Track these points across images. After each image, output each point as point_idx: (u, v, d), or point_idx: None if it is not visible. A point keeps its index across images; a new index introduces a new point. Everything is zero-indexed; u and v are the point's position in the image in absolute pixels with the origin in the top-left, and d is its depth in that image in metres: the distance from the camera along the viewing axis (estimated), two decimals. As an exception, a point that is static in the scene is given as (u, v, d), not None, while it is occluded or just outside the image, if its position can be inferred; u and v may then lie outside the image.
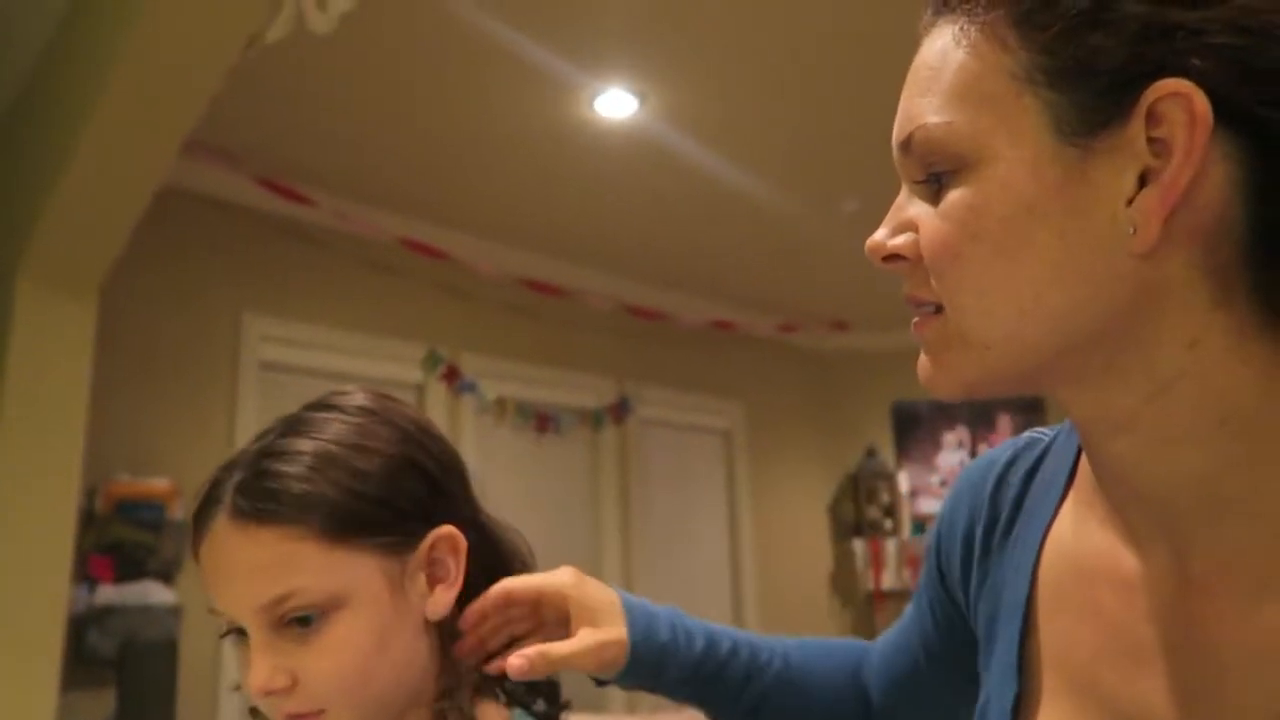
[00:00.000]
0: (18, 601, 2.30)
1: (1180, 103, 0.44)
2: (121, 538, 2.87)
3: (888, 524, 5.25)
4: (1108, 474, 0.54)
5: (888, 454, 5.30)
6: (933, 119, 0.50)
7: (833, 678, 0.83)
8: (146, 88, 2.05)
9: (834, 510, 5.42)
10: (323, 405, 0.71)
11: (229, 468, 0.67)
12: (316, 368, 3.46)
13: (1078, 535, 0.57)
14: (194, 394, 3.18)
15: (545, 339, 4.17)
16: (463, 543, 0.70)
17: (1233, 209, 0.45)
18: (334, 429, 0.68)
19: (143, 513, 2.93)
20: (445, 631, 0.71)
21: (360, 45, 2.57)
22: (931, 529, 0.73)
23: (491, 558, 0.75)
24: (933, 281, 0.51)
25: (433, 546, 0.68)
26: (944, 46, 0.51)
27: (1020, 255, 0.47)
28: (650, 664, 0.74)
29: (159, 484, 2.98)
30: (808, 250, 4.18)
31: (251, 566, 0.64)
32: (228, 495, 0.65)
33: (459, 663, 0.70)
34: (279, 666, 0.64)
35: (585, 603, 0.74)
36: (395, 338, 3.69)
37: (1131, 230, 0.45)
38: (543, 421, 4.09)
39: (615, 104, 2.96)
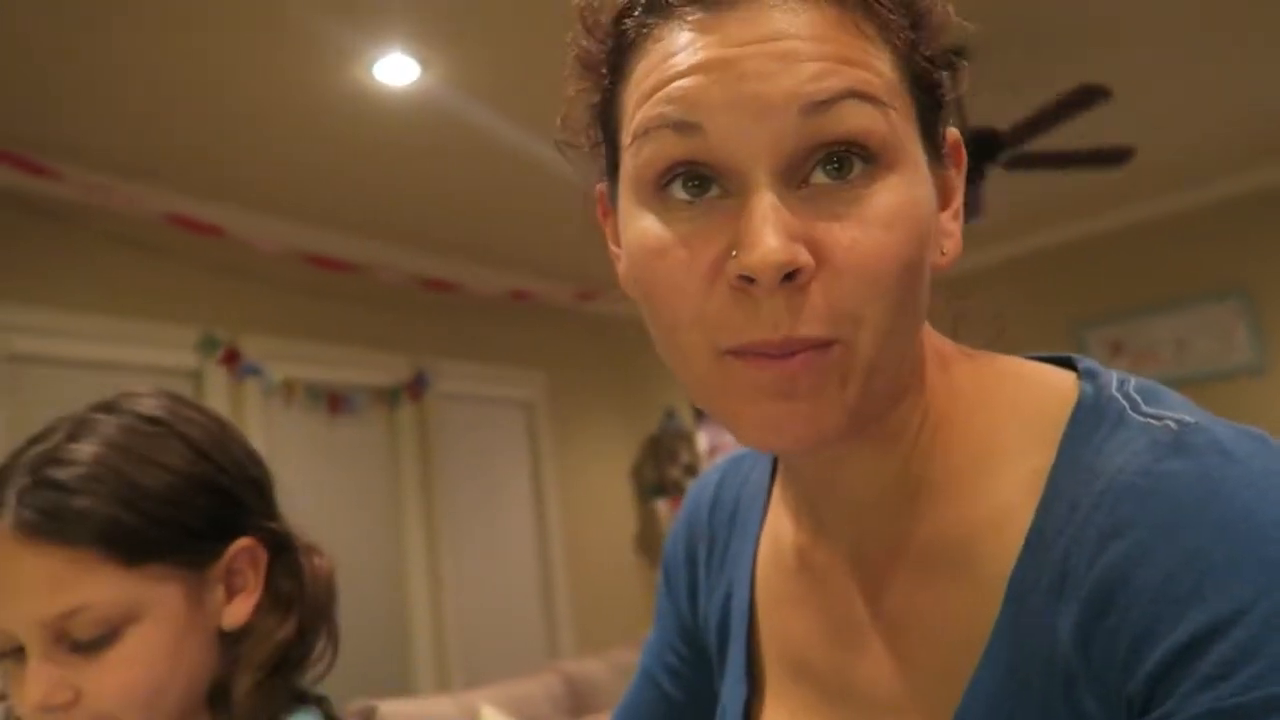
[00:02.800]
0: None
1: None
2: None
3: (689, 482, 5.40)
4: (805, 478, 0.57)
5: (686, 415, 5.46)
6: (877, 93, 0.44)
7: None
8: None
9: (637, 473, 5.53)
10: (112, 408, 0.68)
11: (9, 469, 0.63)
12: (78, 358, 3.16)
13: (780, 533, 0.61)
14: (-72, 393, 2.84)
15: (334, 316, 3.99)
16: (262, 554, 0.69)
17: None
18: (122, 440, 0.65)
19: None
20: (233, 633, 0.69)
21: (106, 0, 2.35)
22: (660, 572, 0.75)
23: (291, 562, 0.73)
24: (849, 303, 0.43)
25: (233, 559, 0.68)
26: (831, 20, 0.44)
27: (925, 269, 0.46)
28: None
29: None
30: (601, 218, 4.19)
31: (36, 580, 0.60)
32: (10, 502, 0.61)
33: (241, 661, 0.68)
34: (62, 681, 0.60)
35: None
36: (166, 321, 3.43)
37: (941, 252, 0.50)
38: (335, 402, 3.93)
39: (396, 70, 2.85)
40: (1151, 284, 4.59)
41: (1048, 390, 0.51)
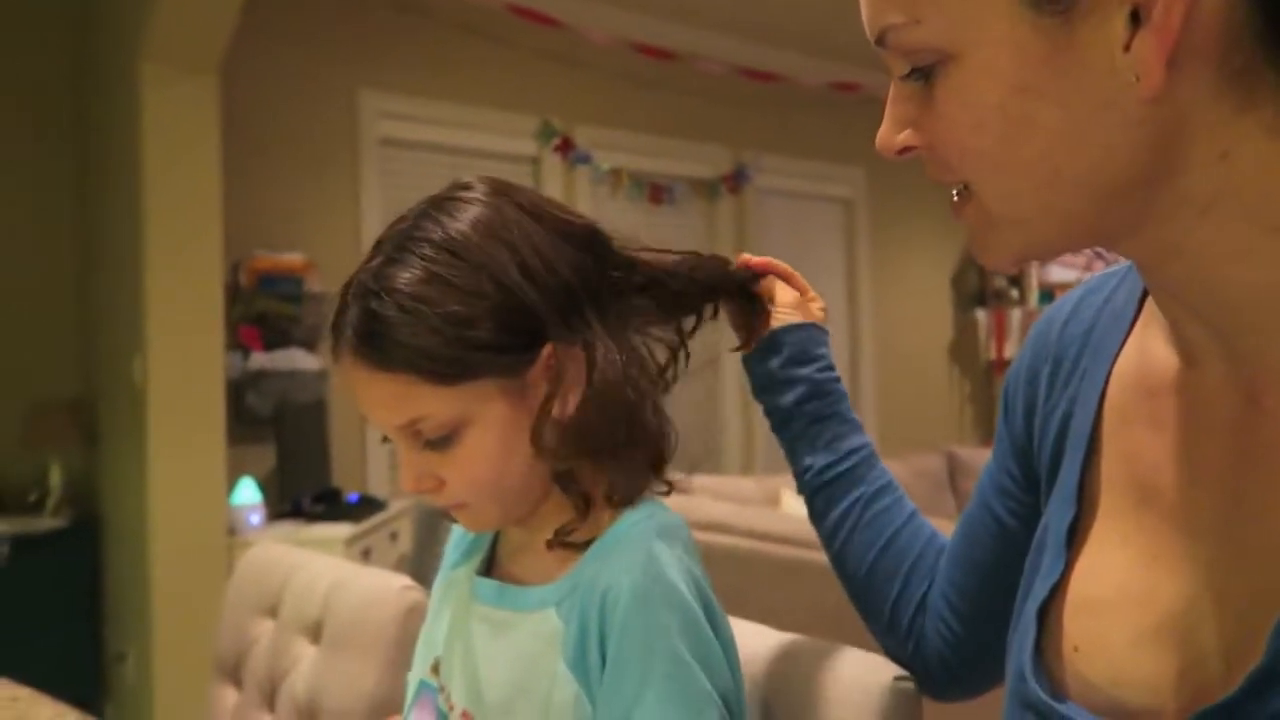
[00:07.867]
0: (184, 369, 2.52)
1: None
2: (266, 309, 3.06)
3: (1014, 293, 5.12)
4: (1166, 297, 0.53)
5: (1017, 221, 5.09)
6: (898, 19, 0.49)
7: (910, 537, 0.83)
8: None
9: (957, 280, 5.31)
10: (429, 226, 0.72)
11: (348, 294, 0.72)
12: (434, 142, 3.49)
13: (1143, 355, 0.58)
14: (318, 172, 3.28)
15: (659, 107, 4.06)
16: (577, 352, 0.72)
17: (1238, 11, 0.43)
18: (437, 269, 0.69)
19: (283, 286, 3.10)
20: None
21: None
22: (1001, 389, 0.73)
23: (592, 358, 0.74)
24: (955, 173, 0.51)
25: (550, 357, 0.72)
26: None
27: (1026, 135, 0.47)
28: (806, 357, 0.87)
29: (295, 259, 3.13)
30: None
31: (377, 398, 0.71)
32: (347, 331, 0.70)
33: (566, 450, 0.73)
34: (425, 472, 0.73)
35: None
36: (509, 110, 3.66)
37: (1135, 78, 0.44)
38: (657, 192, 4.06)
39: None
40: None
41: None
